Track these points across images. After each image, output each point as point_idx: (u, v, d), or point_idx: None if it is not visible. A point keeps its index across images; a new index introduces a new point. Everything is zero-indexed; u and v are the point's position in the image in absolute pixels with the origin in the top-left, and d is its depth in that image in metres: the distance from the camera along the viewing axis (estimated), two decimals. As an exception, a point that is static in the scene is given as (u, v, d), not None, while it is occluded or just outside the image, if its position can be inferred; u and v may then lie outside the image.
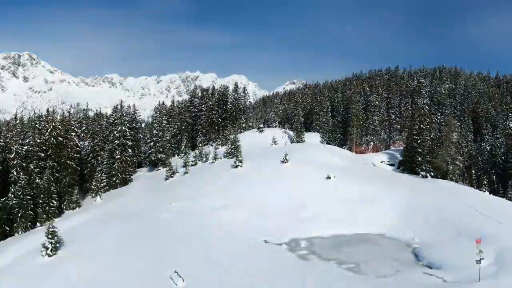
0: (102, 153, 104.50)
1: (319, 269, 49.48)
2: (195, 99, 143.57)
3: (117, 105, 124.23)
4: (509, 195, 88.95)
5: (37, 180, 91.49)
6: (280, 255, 54.64)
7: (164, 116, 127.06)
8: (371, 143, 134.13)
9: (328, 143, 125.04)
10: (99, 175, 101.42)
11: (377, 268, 50.07)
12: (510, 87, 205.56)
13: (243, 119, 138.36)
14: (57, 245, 59.65)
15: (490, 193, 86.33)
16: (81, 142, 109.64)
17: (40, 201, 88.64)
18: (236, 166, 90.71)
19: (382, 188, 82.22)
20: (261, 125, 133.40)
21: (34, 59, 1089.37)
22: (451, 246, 55.68)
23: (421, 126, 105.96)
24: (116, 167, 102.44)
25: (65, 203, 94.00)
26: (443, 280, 44.41)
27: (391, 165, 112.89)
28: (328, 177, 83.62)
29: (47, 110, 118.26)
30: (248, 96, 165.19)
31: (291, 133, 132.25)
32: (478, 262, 41.79)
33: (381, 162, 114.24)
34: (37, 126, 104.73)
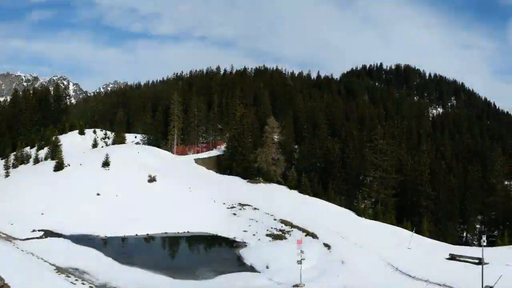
0: None
1: (125, 271, 51.34)
2: (16, 100, 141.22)
3: None
4: (329, 197, 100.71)
5: None
6: (93, 255, 56.99)
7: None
8: (194, 143, 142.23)
9: (149, 144, 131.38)
10: None
11: (197, 270, 53.82)
12: (329, 86, 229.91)
13: (64, 120, 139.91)
14: None
15: (312, 194, 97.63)
16: None
17: None
18: (58, 169, 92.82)
19: (204, 188, 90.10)
20: (82, 126, 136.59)
21: None
22: (276, 247, 62.02)
23: (242, 126, 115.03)
24: None
25: None
26: (267, 282, 49.24)
27: (213, 165, 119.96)
28: (150, 178, 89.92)
29: None
30: (70, 96, 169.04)
31: (112, 133, 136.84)
32: (300, 262, 47.22)
33: (203, 162, 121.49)
34: None
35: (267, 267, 55.37)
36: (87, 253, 57.50)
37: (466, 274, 48.38)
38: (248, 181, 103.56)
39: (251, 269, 55.92)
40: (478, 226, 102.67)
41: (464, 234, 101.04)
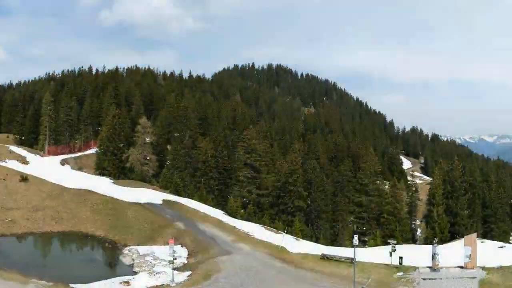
0: None
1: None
2: None
3: None
4: (201, 196, 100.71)
5: None
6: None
7: None
8: (67, 144, 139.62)
9: (21, 144, 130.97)
10: None
11: (68, 274, 51.82)
12: (201, 86, 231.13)
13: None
14: None
15: (185, 194, 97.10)
16: None
17: None
18: None
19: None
20: None
21: None
22: (153, 248, 61.98)
23: (114, 126, 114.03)
24: None
25: None
26: (143, 284, 48.52)
27: (84, 165, 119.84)
28: (21, 178, 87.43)
29: None
30: None
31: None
32: (171, 262, 47.63)
33: (74, 163, 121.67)
34: None
35: (144, 269, 54.55)
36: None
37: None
38: (114, 182, 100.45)
39: (127, 271, 54.85)
40: (350, 225, 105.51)
41: (337, 234, 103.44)
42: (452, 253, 48.70)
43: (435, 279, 40.34)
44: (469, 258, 42.02)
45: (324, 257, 55.30)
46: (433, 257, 42.67)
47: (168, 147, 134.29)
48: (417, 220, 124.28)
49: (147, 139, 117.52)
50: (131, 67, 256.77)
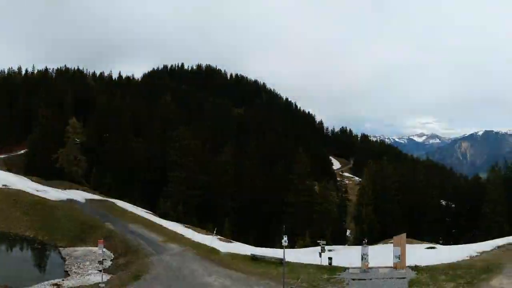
0: None
1: None
2: None
3: None
4: (133, 197, 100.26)
5: None
6: None
7: None
8: None
9: None
10: None
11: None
12: (131, 87, 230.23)
13: None
14: None
15: (117, 196, 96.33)
16: None
17: None
18: None
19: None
20: None
21: None
22: (88, 249, 60.78)
23: (44, 127, 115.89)
24: None
25: None
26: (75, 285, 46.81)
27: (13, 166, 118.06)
28: None
29: None
30: None
31: None
32: (101, 263, 46.87)
33: (4, 163, 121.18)
34: None
35: (74, 270, 53.02)
36: None
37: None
38: (44, 182, 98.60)
39: (57, 272, 52.90)
40: (280, 226, 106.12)
41: (267, 235, 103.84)
42: (382, 253, 49.37)
43: (364, 279, 40.70)
44: (399, 259, 42.65)
45: (254, 258, 55.20)
46: (363, 258, 43.10)
47: (99, 147, 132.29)
48: (347, 221, 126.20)
49: (77, 139, 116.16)
50: (61, 67, 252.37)
